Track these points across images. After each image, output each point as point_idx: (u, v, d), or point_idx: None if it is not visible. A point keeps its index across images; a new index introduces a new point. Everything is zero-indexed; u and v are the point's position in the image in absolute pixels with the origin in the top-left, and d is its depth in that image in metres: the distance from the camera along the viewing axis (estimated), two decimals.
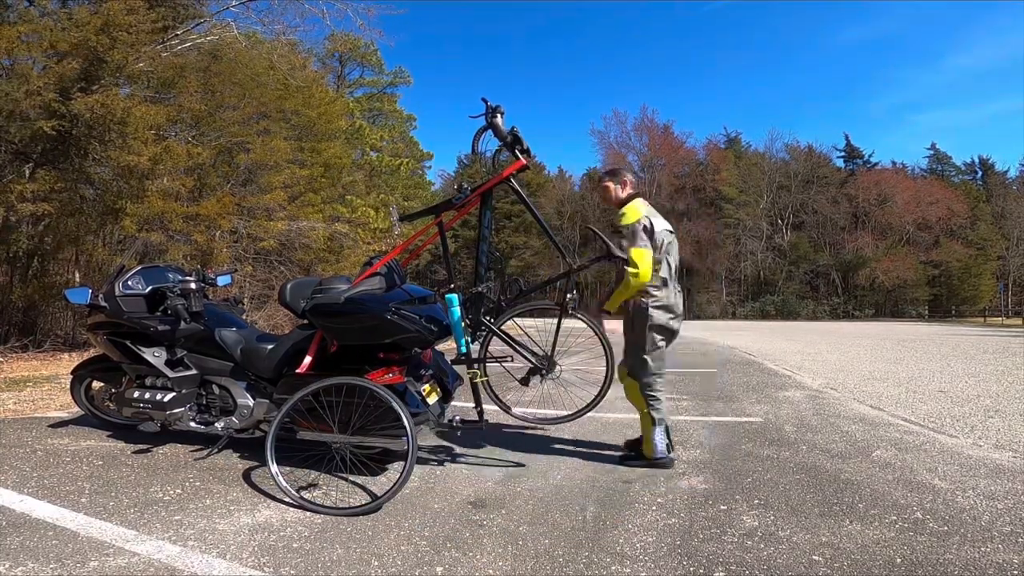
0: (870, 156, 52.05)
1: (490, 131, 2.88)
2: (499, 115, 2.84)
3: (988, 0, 72.33)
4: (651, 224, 2.86)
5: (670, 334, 2.97)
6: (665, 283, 2.91)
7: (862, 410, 4.68)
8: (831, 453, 3.32)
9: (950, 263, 42.92)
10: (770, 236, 46.04)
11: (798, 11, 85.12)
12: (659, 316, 2.87)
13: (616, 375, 3.08)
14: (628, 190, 3.08)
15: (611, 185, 3.08)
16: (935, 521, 2.29)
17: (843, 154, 52.20)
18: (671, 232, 2.97)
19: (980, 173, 53.00)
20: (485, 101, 2.87)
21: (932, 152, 53.82)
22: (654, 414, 2.91)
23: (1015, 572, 1.87)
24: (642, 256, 2.79)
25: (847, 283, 44.45)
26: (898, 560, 1.95)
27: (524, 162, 2.84)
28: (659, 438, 2.91)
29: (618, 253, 2.89)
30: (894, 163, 51.58)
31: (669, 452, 2.96)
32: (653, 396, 2.92)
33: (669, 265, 2.92)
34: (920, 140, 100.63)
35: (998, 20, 79.60)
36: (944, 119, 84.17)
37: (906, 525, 2.25)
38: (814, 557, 1.97)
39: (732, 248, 45.35)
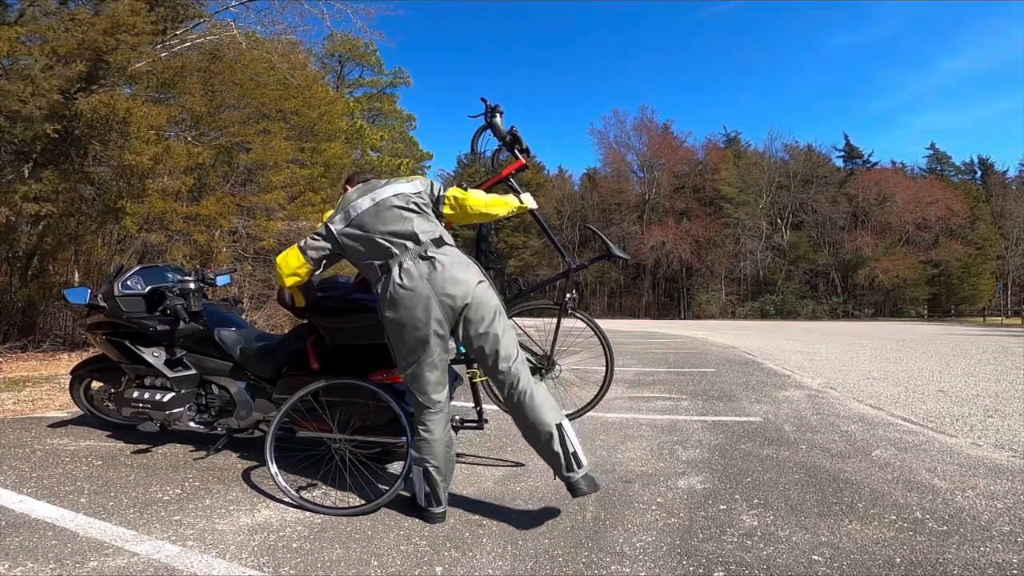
0: (870, 156, 52.07)
1: (489, 130, 2.88)
2: (498, 115, 2.84)
3: (975, 1, 73.01)
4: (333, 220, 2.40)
5: (411, 333, 2.20)
6: (386, 269, 2.26)
7: (862, 410, 4.68)
8: (831, 453, 3.32)
9: (949, 263, 42.91)
10: (769, 236, 46.03)
11: (795, 15, 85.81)
12: (386, 312, 2.25)
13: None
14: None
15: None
16: (934, 521, 2.29)
17: (842, 154, 52.22)
18: (373, 201, 2.33)
19: (979, 173, 53.05)
20: (484, 101, 2.87)
21: (931, 152, 53.92)
22: (411, 450, 2.30)
23: (1015, 572, 1.87)
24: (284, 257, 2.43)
25: (846, 282, 44.45)
26: (897, 560, 1.95)
27: (523, 161, 2.84)
28: (417, 484, 2.26)
29: (617, 253, 2.88)
30: (893, 163, 51.63)
31: (433, 505, 2.24)
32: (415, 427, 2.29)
33: (378, 243, 2.28)
34: (918, 140, 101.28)
35: (986, 25, 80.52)
36: (939, 121, 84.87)
37: (905, 525, 2.25)
38: (814, 557, 1.97)
39: (731, 248, 45.35)
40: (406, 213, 2.30)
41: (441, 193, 2.43)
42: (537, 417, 2.21)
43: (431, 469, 2.22)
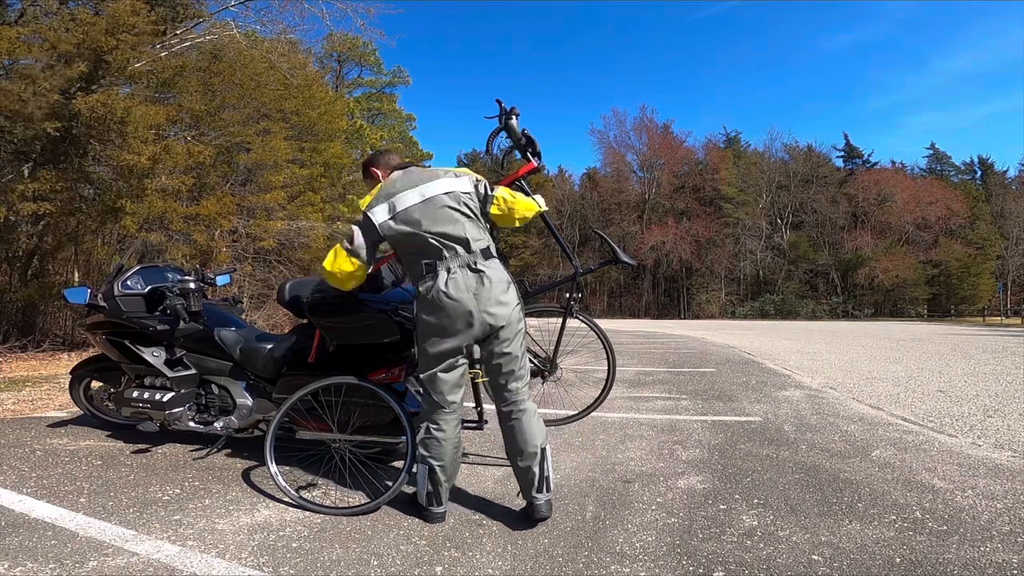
0: (869, 155, 52.15)
1: (504, 132, 2.89)
2: (514, 117, 2.84)
3: (974, 1, 73.34)
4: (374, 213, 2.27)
5: (444, 341, 2.19)
6: (432, 270, 2.20)
7: (861, 409, 4.68)
8: (830, 452, 3.32)
9: (949, 262, 42.92)
10: (769, 235, 46.04)
11: (793, 15, 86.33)
12: (424, 315, 2.23)
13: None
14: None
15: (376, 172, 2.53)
16: (934, 521, 2.30)
17: (842, 154, 52.28)
18: (423, 197, 2.23)
19: (979, 173, 53.11)
20: (500, 103, 2.87)
21: (931, 152, 54.00)
22: (418, 448, 2.28)
23: (1014, 572, 1.87)
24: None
25: (846, 282, 44.46)
26: (897, 560, 1.95)
27: (535, 164, 2.85)
28: (420, 481, 2.27)
29: (624, 259, 2.88)
30: (893, 163, 51.71)
31: (434, 505, 2.25)
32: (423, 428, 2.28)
33: (429, 243, 2.20)
34: (918, 140, 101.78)
35: (985, 25, 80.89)
36: (939, 121, 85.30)
37: (905, 525, 2.25)
38: (813, 557, 1.97)
39: (731, 247, 45.35)
40: (457, 215, 2.23)
41: (490, 192, 2.34)
42: (529, 438, 2.24)
43: (437, 468, 2.23)
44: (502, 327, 2.22)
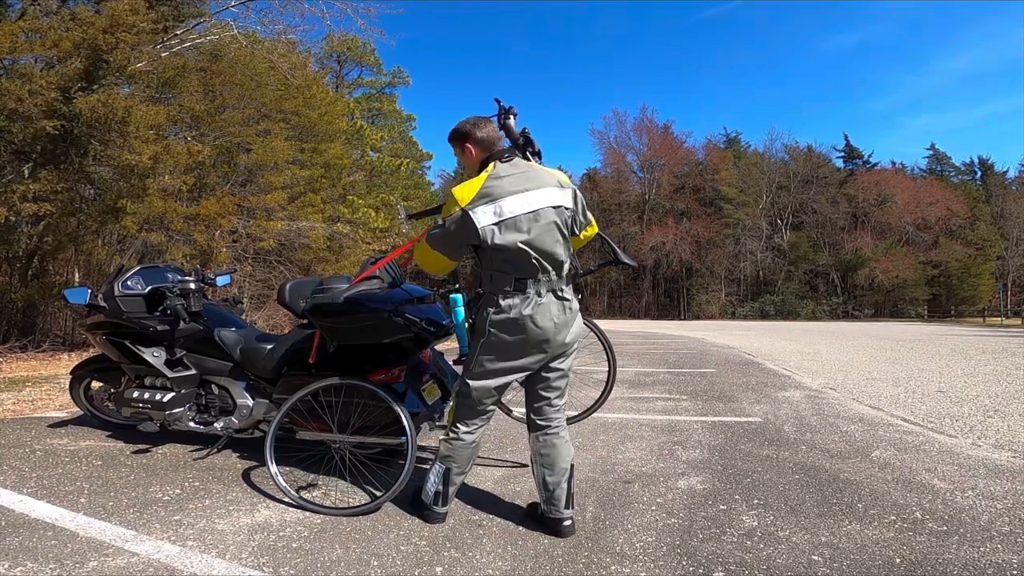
0: (870, 156, 52.15)
1: (502, 132, 2.89)
2: (512, 116, 2.84)
3: (973, 2, 73.51)
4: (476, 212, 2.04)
5: (512, 361, 2.11)
6: (521, 289, 2.06)
7: (861, 410, 4.68)
8: (830, 453, 3.32)
9: (949, 263, 42.92)
10: (770, 236, 46.03)
11: (793, 15, 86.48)
12: (501, 332, 2.09)
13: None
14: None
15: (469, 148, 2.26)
16: (934, 521, 2.30)
17: (843, 154, 52.28)
18: (532, 209, 2.04)
19: (979, 173, 53.09)
20: (498, 102, 2.86)
21: (931, 152, 54.00)
22: (442, 447, 2.25)
23: (1014, 572, 1.87)
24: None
25: (846, 283, 44.45)
26: (897, 560, 1.95)
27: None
28: (433, 480, 2.25)
29: (624, 259, 2.88)
30: (893, 163, 51.70)
31: (438, 504, 2.26)
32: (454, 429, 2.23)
33: (530, 261, 2.05)
34: (918, 141, 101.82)
35: (985, 25, 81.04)
36: (939, 121, 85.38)
37: (905, 525, 2.25)
38: (813, 557, 1.97)
39: (731, 248, 45.35)
40: (559, 235, 2.09)
41: (587, 216, 2.24)
42: (564, 454, 2.22)
43: (454, 470, 2.22)
44: (563, 351, 2.18)
